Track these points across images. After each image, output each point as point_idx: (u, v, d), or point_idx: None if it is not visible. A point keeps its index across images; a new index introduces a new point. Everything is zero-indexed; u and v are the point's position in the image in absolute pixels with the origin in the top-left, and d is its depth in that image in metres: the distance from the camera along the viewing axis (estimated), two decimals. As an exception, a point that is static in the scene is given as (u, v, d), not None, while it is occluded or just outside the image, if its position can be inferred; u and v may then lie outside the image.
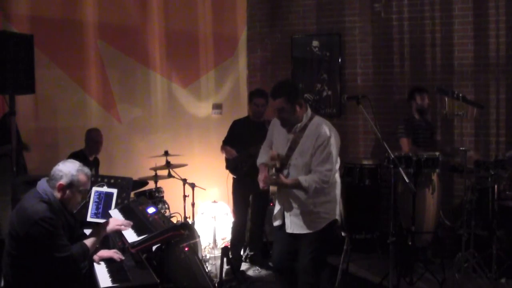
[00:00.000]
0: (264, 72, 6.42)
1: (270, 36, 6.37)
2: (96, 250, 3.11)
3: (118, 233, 3.34)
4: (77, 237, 3.10)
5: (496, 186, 4.46)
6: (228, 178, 5.16)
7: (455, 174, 5.47)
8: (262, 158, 3.66)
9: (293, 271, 3.56)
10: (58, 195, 2.93)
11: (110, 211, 3.72)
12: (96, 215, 3.85)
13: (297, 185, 3.31)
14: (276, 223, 3.59)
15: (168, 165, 5.08)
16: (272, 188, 3.46)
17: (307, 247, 3.42)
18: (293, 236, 3.47)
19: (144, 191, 5.04)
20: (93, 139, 5.00)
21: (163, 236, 3.10)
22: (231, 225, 5.28)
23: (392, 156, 3.72)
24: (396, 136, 5.19)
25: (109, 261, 3.05)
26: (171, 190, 5.26)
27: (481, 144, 5.65)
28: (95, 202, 3.87)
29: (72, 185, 2.94)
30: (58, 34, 5.13)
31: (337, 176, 3.51)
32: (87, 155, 4.99)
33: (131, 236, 3.15)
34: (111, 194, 3.91)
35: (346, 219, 3.69)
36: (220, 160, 5.18)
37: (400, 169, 3.67)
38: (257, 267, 5.16)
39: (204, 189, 5.27)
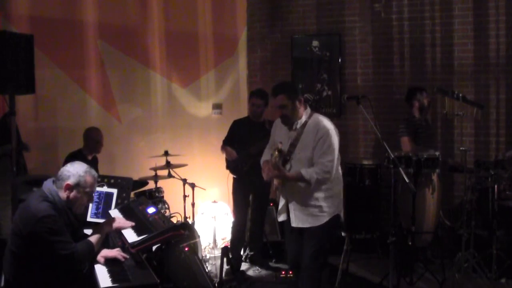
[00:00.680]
0: (264, 72, 6.42)
1: (270, 36, 6.37)
2: (98, 250, 3.12)
3: (118, 233, 3.34)
4: (79, 238, 3.10)
5: (496, 186, 4.46)
6: (228, 178, 5.16)
7: (455, 174, 5.47)
8: (266, 157, 3.75)
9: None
10: (64, 195, 2.96)
11: (110, 211, 3.73)
12: (96, 215, 3.85)
13: (299, 177, 3.41)
14: (281, 218, 3.69)
15: (168, 165, 5.08)
16: (276, 183, 3.56)
17: (309, 241, 3.50)
18: (299, 231, 3.56)
19: (144, 191, 5.04)
20: (94, 139, 4.99)
21: (163, 236, 3.11)
22: (231, 225, 5.28)
23: (392, 156, 3.73)
24: (397, 136, 5.19)
25: (109, 261, 3.05)
26: (171, 190, 5.26)
27: (481, 144, 5.65)
28: (95, 202, 3.87)
29: (79, 185, 2.97)
30: (58, 34, 5.13)
31: (340, 173, 3.60)
32: (85, 154, 4.99)
33: (131, 236, 3.15)
34: (111, 194, 3.92)
35: (346, 219, 3.70)
36: (220, 160, 5.19)
37: (400, 169, 3.68)
38: (257, 267, 5.16)
39: (204, 189, 5.27)
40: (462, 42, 5.67)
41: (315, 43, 6.15)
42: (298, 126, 3.52)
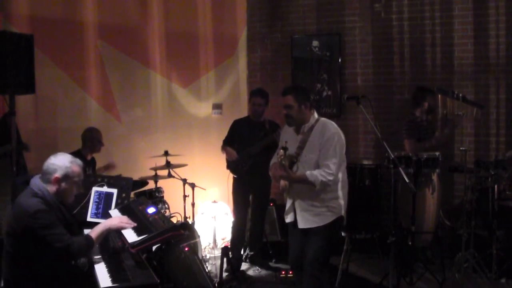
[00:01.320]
0: (264, 72, 6.42)
1: (270, 36, 6.37)
2: (96, 249, 3.11)
3: (118, 233, 3.33)
4: (75, 235, 3.09)
5: (496, 186, 4.46)
6: (228, 178, 5.16)
7: (455, 174, 5.47)
8: (275, 160, 3.78)
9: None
10: (53, 188, 2.96)
11: (110, 211, 3.73)
12: (96, 215, 3.85)
13: (304, 179, 3.47)
14: (288, 219, 3.74)
15: (168, 165, 5.08)
16: (283, 184, 3.63)
17: (313, 239, 3.55)
18: (304, 231, 3.61)
19: (144, 191, 5.04)
20: (95, 138, 5.00)
21: (163, 236, 3.10)
22: (231, 225, 5.28)
23: (392, 156, 3.74)
24: (403, 137, 5.18)
25: (109, 261, 3.04)
26: (171, 190, 5.26)
27: (481, 144, 5.64)
28: (95, 202, 3.87)
29: (67, 177, 2.99)
30: (58, 34, 5.12)
31: (345, 176, 3.67)
32: (84, 155, 4.99)
33: (131, 236, 3.15)
34: (111, 194, 3.91)
35: (346, 219, 3.71)
36: (220, 160, 5.19)
37: (400, 169, 3.69)
38: (257, 267, 5.16)
39: (204, 189, 5.27)
40: (462, 42, 5.67)
41: (315, 43, 6.15)
42: (305, 130, 3.61)
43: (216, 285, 4.28)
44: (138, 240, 3.05)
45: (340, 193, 3.60)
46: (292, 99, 3.56)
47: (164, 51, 5.88)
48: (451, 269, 4.47)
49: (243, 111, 6.06)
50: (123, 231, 3.23)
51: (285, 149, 3.51)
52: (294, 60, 6.25)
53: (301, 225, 3.61)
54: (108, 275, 2.84)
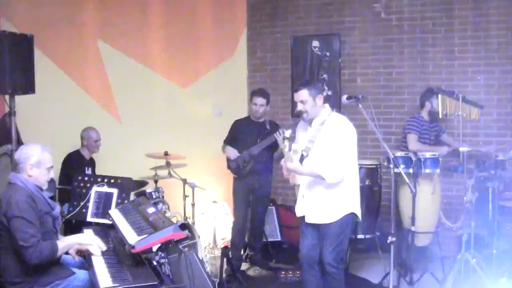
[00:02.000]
0: (264, 72, 6.42)
1: (270, 36, 6.37)
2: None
3: (118, 233, 3.33)
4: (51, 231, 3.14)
5: (496, 186, 4.46)
6: (229, 178, 5.16)
7: (455, 174, 5.46)
8: None
9: (320, 262, 3.66)
10: (27, 175, 3.06)
11: (110, 211, 3.73)
12: (96, 215, 3.86)
13: (312, 173, 3.49)
14: (298, 213, 3.74)
15: (168, 165, 5.07)
16: (288, 174, 3.62)
17: (327, 239, 3.56)
18: (316, 227, 3.61)
19: (144, 191, 5.04)
20: (91, 138, 5.01)
21: (163, 236, 3.10)
22: (231, 225, 5.28)
23: (392, 156, 3.74)
24: (404, 132, 5.18)
25: (109, 261, 3.05)
26: (171, 190, 5.25)
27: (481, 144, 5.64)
28: (95, 202, 3.87)
29: (40, 163, 3.10)
30: (58, 34, 5.12)
31: (357, 172, 3.67)
32: (84, 155, 4.99)
33: (131, 236, 3.15)
34: (111, 194, 3.92)
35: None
36: (220, 160, 5.18)
37: (400, 169, 3.68)
38: (257, 267, 5.16)
39: (204, 189, 5.27)
40: (462, 42, 5.67)
41: (315, 43, 6.15)
42: (317, 124, 3.61)
43: (216, 285, 4.28)
44: (138, 240, 3.05)
45: (349, 188, 3.58)
46: (306, 93, 3.57)
47: (164, 51, 5.88)
48: (451, 269, 4.46)
49: (243, 111, 6.06)
50: (123, 231, 3.23)
51: (288, 139, 3.50)
52: (294, 60, 6.24)
53: (309, 219, 3.61)
54: (108, 275, 2.85)
